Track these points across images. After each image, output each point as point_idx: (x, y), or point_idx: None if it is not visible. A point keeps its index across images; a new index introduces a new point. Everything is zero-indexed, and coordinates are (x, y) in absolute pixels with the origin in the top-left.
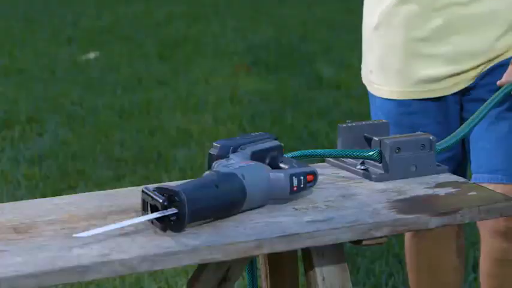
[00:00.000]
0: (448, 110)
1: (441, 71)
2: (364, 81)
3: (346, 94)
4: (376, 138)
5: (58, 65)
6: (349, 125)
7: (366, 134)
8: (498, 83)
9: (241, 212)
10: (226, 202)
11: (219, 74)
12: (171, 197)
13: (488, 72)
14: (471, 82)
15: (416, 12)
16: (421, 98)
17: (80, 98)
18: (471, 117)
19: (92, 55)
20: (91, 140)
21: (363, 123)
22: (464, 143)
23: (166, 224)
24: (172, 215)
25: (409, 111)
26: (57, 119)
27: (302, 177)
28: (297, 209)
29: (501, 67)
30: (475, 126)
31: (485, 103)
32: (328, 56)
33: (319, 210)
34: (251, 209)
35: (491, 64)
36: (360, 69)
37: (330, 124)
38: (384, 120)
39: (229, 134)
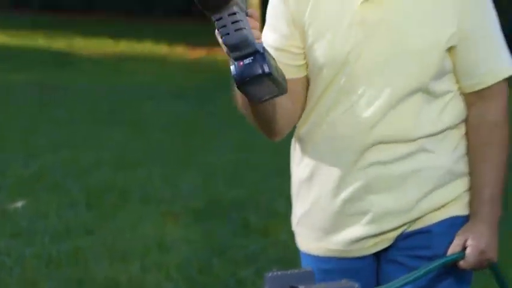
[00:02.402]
0: (366, 269)
1: (361, 232)
2: (293, 229)
3: (273, 241)
4: (301, 287)
5: None
6: (275, 274)
7: (291, 284)
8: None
9: None
10: None
11: (146, 222)
12: None
13: (410, 235)
14: (390, 243)
15: (339, 170)
16: (339, 256)
17: (7, 247)
18: (400, 278)
19: (19, 203)
20: None
21: (289, 272)
22: None
23: None
24: None
25: (327, 269)
26: None
27: None
28: None
29: (424, 234)
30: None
31: (418, 270)
32: (256, 202)
33: None
34: None
35: (415, 227)
36: (287, 215)
37: (257, 272)
38: (309, 269)
39: (156, 282)
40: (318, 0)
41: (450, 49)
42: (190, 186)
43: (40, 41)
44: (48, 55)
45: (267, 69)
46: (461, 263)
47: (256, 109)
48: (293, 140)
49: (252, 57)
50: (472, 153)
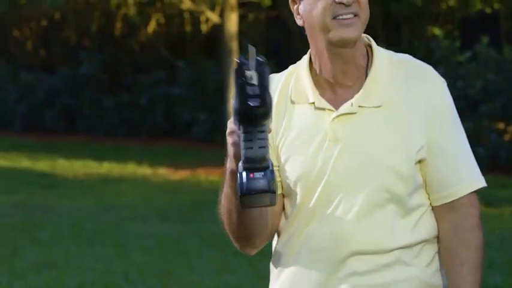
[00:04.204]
0: None
1: None
2: None
3: None
4: None
5: None
6: None
7: None
8: None
9: None
10: None
11: None
12: None
13: None
14: None
15: (318, 281)
16: None
17: None
18: None
19: None
20: None
21: None
22: None
23: None
24: None
25: None
26: None
27: None
28: None
29: None
30: None
31: None
32: None
33: None
34: None
35: None
36: None
37: None
38: None
39: None
40: (290, 118)
41: (420, 162)
42: None
43: (23, 162)
44: (31, 176)
45: (273, 188)
46: None
47: (241, 219)
48: (271, 261)
49: (262, 173)
50: (449, 257)
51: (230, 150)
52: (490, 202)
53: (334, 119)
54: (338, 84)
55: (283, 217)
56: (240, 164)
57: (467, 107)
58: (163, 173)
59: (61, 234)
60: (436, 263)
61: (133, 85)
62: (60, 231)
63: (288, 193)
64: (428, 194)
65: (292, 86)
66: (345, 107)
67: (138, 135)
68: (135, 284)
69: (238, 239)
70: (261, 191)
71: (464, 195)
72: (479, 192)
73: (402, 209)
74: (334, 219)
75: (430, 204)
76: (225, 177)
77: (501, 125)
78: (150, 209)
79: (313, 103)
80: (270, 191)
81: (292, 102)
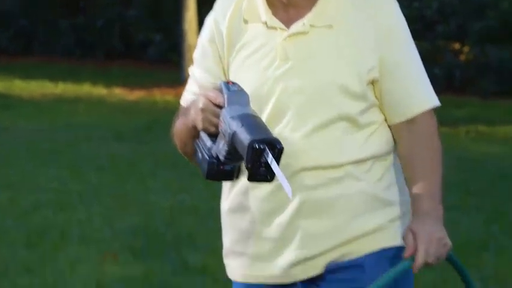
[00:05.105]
0: None
1: (289, 257)
2: (224, 261)
3: (212, 279)
4: None
5: None
6: None
7: None
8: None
9: None
10: None
11: (85, 262)
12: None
13: (339, 268)
14: (320, 271)
15: (268, 197)
16: (269, 283)
17: None
18: None
19: None
20: None
21: None
22: None
23: None
24: None
25: None
26: None
27: None
28: None
29: (354, 267)
30: None
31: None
32: (194, 242)
33: None
34: None
35: (344, 259)
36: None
37: None
38: None
39: None
40: (243, 37)
41: (373, 82)
42: (129, 226)
43: None
44: None
45: (239, 176)
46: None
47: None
48: None
49: (233, 166)
50: (410, 158)
51: (199, 123)
52: (445, 122)
53: (285, 38)
54: (291, 4)
55: None
56: (211, 146)
57: (423, 28)
58: (119, 93)
59: (16, 155)
60: (387, 179)
61: (89, 6)
62: (16, 151)
63: None
64: (384, 113)
65: (245, 5)
66: (297, 26)
67: (94, 56)
68: (90, 204)
69: (191, 158)
70: (227, 180)
71: (422, 112)
72: (434, 112)
73: (353, 126)
74: (284, 137)
75: (387, 122)
76: (186, 118)
77: (457, 45)
78: (105, 129)
79: (266, 22)
80: (236, 179)
81: (245, 21)
